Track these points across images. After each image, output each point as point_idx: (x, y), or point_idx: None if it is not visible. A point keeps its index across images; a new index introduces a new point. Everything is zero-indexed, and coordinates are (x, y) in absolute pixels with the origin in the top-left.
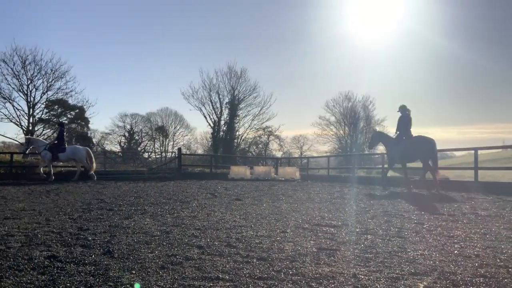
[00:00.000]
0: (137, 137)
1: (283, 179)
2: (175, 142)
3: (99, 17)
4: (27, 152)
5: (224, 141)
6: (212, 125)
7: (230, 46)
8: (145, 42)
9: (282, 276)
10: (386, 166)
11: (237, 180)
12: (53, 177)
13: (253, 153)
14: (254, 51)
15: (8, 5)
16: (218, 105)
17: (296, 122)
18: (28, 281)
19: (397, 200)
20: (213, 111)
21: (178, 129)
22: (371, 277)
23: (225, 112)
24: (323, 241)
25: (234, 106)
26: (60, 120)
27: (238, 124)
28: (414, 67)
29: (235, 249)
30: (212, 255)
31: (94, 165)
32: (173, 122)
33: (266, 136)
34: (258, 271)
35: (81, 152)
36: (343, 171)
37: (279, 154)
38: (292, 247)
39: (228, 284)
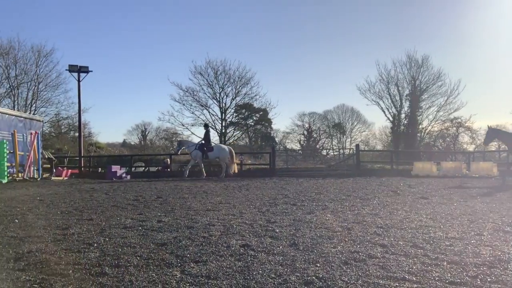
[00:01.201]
0: (315, 135)
1: (477, 175)
2: (353, 139)
3: (274, 21)
4: (179, 152)
5: (405, 136)
6: (391, 119)
7: (406, 35)
8: (318, 40)
9: (479, 282)
10: None
11: (421, 177)
12: (205, 174)
13: (440, 147)
14: (435, 36)
15: (200, 25)
16: (397, 97)
17: (490, 111)
18: (227, 266)
19: None
20: (392, 105)
21: (355, 125)
22: None
23: (406, 105)
24: None
25: (415, 98)
26: (205, 122)
27: (421, 116)
28: None
29: (422, 250)
30: (397, 255)
31: (235, 164)
32: (350, 118)
33: (454, 128)
34: (449, 275)
35: (225, 151)
36: None
37: (471, 148)
38: (490, 252)
39: (415, 285)
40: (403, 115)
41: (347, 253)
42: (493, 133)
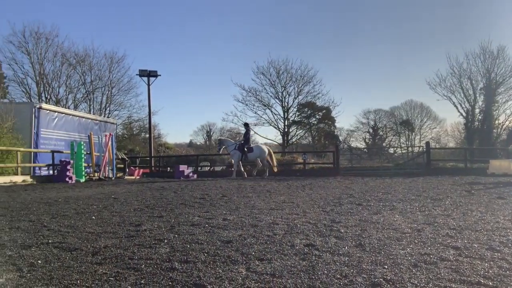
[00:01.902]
0: (381, 133)
1: None
2: (422, 136)
3: (337, 20)
4: (220, 151)
5: (480, 132)
6: (464, 114)
7: (479, 26)
8: (382, 34)
9: None
10: None
11: (498, 176)
12: (245, 174)
13: None
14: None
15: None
16: (470, 91)
17: None
18: (292, 265)
19: None
20: (465, 99)
21: (425, 122)
22: None
23: (480, 99)
24: None
25: (490, 91)
26: (245, 121)
27: (497, 111)
28: None
29: (499, 254)
30: (471, 258)
31: (275, 162)
32: (419, 115)
33: None
34: None
35: (265, 151)
36: None
37: None
38: None
39: None
40: (477, 110)
41: (417, 255)
42: None
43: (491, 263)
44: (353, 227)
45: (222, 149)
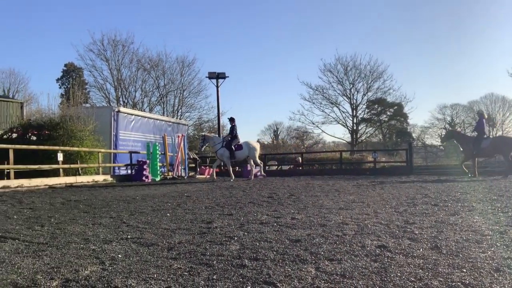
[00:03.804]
0: (459, 129)
1: None
2: (505, 131)
3: (409, 14)
4: (202, 149)
5: None
6: None
7: None
8: (457, 22)
9: None
10: None
11: None
12: (233, 177)
13: None
14: None
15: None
16: None
17: None
18: (363, 266)
19: None
20: None
21: (508, 116)
22: None
23: None
24: None
25: None
26: (231, 116)
27: None
28: None
29: None
30: None
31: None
32: (500, 109)
33: None
34: None
35: (255, 148)
36: None
37: None
38: None
39: None
40: None
41: (499, 259)
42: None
43: None
44: (429, 228)
45: (204, 146)
